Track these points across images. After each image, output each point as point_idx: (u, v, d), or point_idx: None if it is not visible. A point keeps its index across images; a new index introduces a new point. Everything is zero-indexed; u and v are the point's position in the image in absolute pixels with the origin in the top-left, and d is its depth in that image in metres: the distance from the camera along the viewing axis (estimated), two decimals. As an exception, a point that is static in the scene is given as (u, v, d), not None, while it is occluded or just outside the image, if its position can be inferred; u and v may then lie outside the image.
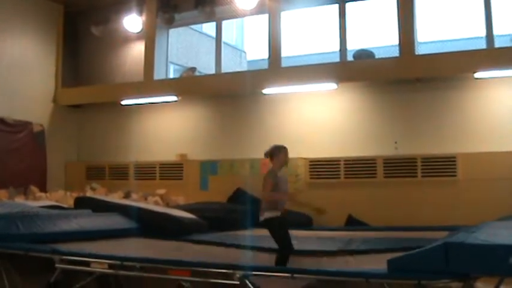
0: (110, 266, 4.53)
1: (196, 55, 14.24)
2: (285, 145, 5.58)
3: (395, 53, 8.55)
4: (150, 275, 4.45)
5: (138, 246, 5.94)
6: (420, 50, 8.61)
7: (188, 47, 14.17)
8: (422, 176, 8.41)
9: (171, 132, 10.64)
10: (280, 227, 5.21)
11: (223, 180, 9.62)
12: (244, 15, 10.67)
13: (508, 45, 8.16)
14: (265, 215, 5.23)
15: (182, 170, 10.30)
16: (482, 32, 8.47)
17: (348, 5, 9.41)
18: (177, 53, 12.85)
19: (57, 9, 11.27)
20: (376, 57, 9.06)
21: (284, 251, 5.14)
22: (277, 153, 5.49)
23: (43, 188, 10.16)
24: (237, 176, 9.54)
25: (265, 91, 9.17)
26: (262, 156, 5.55)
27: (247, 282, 3.81)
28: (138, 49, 10.93)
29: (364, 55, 9.06)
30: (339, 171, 8.98)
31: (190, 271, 4.21)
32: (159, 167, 10.54)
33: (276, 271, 3.96)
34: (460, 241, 3.44)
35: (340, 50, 9.39)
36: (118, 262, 4.48)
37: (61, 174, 11.20)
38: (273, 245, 5.19)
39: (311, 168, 9.18)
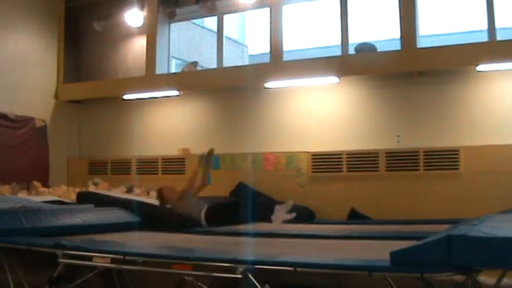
0: (113, 261, 4.54)
1: (198, 49, 14.26)
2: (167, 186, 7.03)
3: (397, 46, 8.52)
4: (152, 269, 4.46)
5: (141, 240, 5.95)
6: (422, 43, 8.57)
7: (190, 41, 14.19)
8: (425, 169, 8.40)
9: (173, 126, 10.63)
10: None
11: (225, 175, 9.60)
12: (245, 9, 10.64)
13: (510, 38, 8.11)
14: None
15: (184, 165, 10.30)
16: (484, 25, 8.44)
17: (350, -2, 9.38)
18: (179, 48, 12.87)
19: (59, 5, 11.24)
20: (378, 50, 9.04)
21: None
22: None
23: (46, 183, 10.17)
24: (239, 170, 9.55)
25: (267, 85, 9.16)
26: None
27: (250, 276, 3.82)
28: (139, 44, 10.91)
29: (366, 48, 9.02)
30: (341, 164, 8.97)
31: (193, 265, 4.21)
32: (162, 162, 10.55)
33: (278, 265, 3.95)
34: (463, 233, 3.43)
35: (341, 43, 9.36)
36: (120, 257, 4.48)
37: (63, 170, 11.20)
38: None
39: (313, 162, 9.17)
